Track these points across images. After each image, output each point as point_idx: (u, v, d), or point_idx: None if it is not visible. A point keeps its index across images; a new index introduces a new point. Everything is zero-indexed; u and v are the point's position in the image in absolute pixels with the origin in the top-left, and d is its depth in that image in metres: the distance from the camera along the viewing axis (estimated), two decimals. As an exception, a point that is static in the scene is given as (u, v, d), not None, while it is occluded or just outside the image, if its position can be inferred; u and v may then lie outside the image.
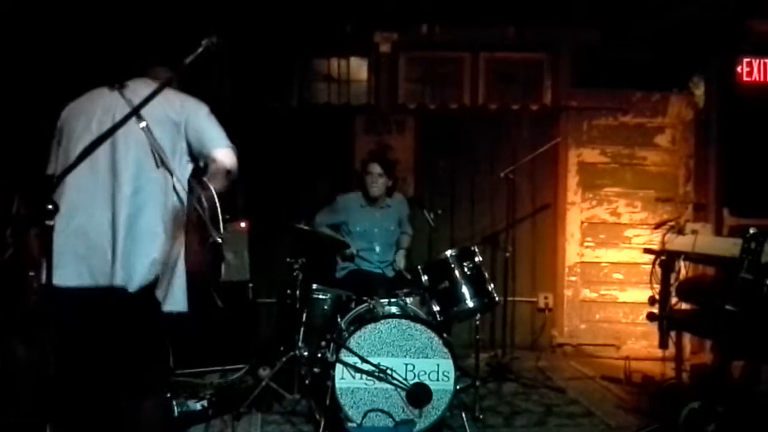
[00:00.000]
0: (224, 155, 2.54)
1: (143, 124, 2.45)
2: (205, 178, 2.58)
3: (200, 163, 2.59)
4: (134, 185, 2.43)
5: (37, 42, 4.28)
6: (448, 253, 4.00)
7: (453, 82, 5.94)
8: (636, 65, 5.60)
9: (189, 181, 2.56)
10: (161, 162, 2.47)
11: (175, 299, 2.49)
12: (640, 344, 5.55)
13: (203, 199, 2.55)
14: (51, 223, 1.91)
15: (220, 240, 2.52)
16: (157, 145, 2.46)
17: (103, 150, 2.42)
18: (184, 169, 2.56)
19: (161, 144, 2.47)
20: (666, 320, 4.03)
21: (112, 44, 4.07)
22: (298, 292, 4.20)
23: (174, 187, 2.49)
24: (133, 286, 2.40)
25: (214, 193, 2.58)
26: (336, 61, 5.88)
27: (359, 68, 5.91)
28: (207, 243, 2.52)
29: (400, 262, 4.85)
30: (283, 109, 5.65)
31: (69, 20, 4.41)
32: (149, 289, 2.42)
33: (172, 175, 2.48)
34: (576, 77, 5.73)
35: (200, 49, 2.00)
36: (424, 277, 3.96)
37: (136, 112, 2.08)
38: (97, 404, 2.56)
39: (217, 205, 2.57)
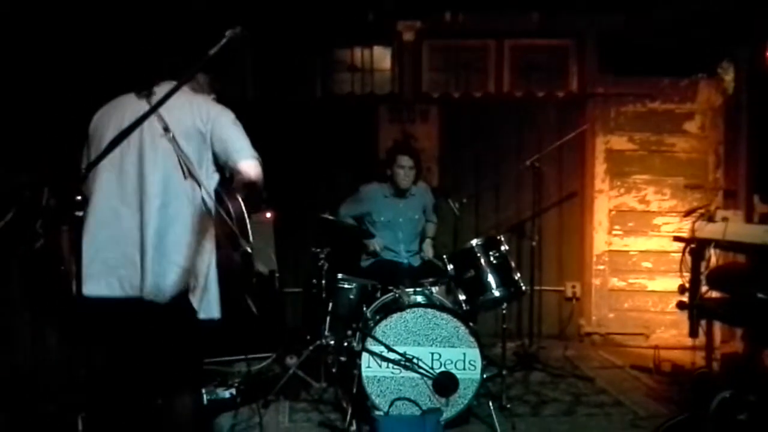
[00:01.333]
0: (249, 167, 2.52)
1: (170, 135, 2.45)
2: (232, 188, 2.60)
3: (226, 173, 2.59)
4: (162, 198, 2.44)
5: (67, 39, 4.33)
6: (474, 242, 3.98)
7: (477, 69, 5.89)
8: (663, 51, 5.49)
9: (217, 191, 2.57)
10: (189, 173, 2.46)
11: (210, 307, 2.52)
12: (670, 333, 5.49)
13: (231, 210, 2.57)
14: (80, 214, 1.93)
15: (249, 250, 2.54)
16: (184, 156, 2.46)
17: (131, 162, 2.45)
18: (210, 179, 2.55)
19: (188, 155, 2.47)
20: (696, 309, 3.97)
21: (140, 42, 4.11)
22: (323, 282, 4.22)
23: (202, 198, 2.49)
24: (163, 298, 2.42)
25: (241, 203, 2.60)
26: (359, 50, 5.87)
27: (382, 57, 5.89)
28: (237, 253, 2.55)
29: (429, 251, 4.85)
30: (307, 99, 5.66)
31: (99, 18, 4.45)
32: (180, 299, 2.44)
33: (200, 186, 2.48)
34: (602, 64, 5.65)
35: (224, 41, 1.99)
36: (450, 266, 3.96)
37: (160, 105, 2.07)
38: (129, 400, 2.60)
39: (245, 215, 2.60)
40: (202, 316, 2.49)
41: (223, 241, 2.55)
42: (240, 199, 2.61)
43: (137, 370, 2.53)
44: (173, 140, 2.45)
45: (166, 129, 2.44)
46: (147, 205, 2.42)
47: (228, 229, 2.53)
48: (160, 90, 2.55)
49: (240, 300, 2.64)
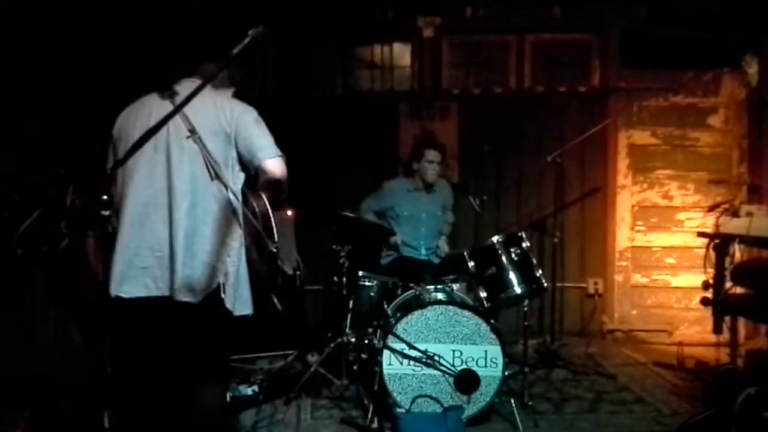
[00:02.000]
0: (274, 166, 2.55)
1: (197, 137, 2.48)
2: (257, 188, 2.62)
3: (251, 171, 2.61)
4: (191, 199, 2.47)
5: (91, 38, 4.37)
6: (495, 239, 3.98)
7: (498, 65, 5.86)
8: (686, 44, 5.44)
9: (242, 191, 2.60)
10: (216, 174, 2.49)
11: (243, 304, 2.57)
12: (693, 330, 5.44)
13: (257, 210, 2.60)
14: (106, 213, 1.96)
15: (275, 249, 2.56)
16: (210, 158, 2.49)
17: (160, 165, 2.49)
18: (237, 178, 2.59)
19: (215, 156, 2.50)
20: (720, 305, 3.94)
21: (162, 40, 4.15)
22: (344, 279, 4.23)
23: (229, 199, 2.52)
24: (195, 298, 2.46)
25: (266, 202, 2.63)
26: (379, 47, 5.86)
27: (402, 54, 5.89)
28: (264, 252, 2.58)
29: (444, 247, 4.84)
30: (328, 96, 5.68)
31: (121, 17, 4.49)
32: (211, 298, 2.48)
33: (226, 186, 2.51)
34: (625, 58, 5.59)
35: (247, 40, 2.01)
36: (471, 263, 3.96)
37: (186, 103, 2.09)
38: (156, 395, 2.64)
39: (270, 215, 2.63)
40: (237, 312, 2.53)
41: (249, 241, 2.57)
42: (265, 198, 2.63)
43: (167, 366, 2.56)
44: (199, 141, 2.48)
45: (192, 131, 2.48)
46: (176, 207, 2.46)
47: (254, 229, 2.55)
48: (182, 89, 2.58)
49: (266, 298, 2.67)
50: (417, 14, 5.61)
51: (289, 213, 4.94)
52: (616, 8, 5.54)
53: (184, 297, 2.44)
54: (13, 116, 3.80)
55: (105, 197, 2.05)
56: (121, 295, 2.45)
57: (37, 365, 3.31)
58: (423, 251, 4.74)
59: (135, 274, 2.46)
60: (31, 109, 3.83)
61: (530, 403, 3.85)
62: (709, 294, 4.01)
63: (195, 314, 2.47)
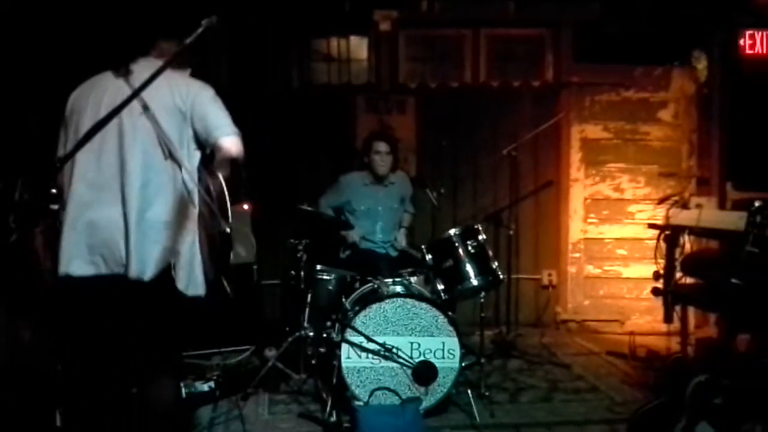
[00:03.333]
0: (230, 143, 2.50)
1: (150, 114, 2.42)
2: (212, 167, 2.57)
3: (206, 150, 2.56)
4: (143, 178, 2.42)
5: (36, 18, 4.21)
6: (452, 231, 4.00)
7: (454, 59, 5.89)
8: (637, 39, 5.53)
9: (198, 170, 2.55)
10: (169, 153, 2.45)
11: (196, 284, 2.51)
12: (645, 319, 5.56)
13: (212, 189, 2.55)
14: (55, 207, 1.90)
15: (228, 230, 2.52)
16: (164, 135, 2.44)
17: (111, 143, 2.42)
18: (192, 157, 2.53)
19: (168, 135, 2.45)
20: (671, 295, 4.02)
21: (115, 18, 4.02)
22: (302, 273, 4.21)
23: (183, 178, 2.47)
24: (146, 276, 2.40)
25: (222, 181, 2.59)
26: (335, 40, 5.83)
27: (359, 47, 5.87)
28: (216, 232, 2.53)
29: (402, 241, 4.86)
30: (283, 89, 5.62)
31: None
32: (163, 278, 2.42)
33: (180, 165, 2.46)
34: (577, 52, 5.68)
35: (200, 30, 1.97)
36: (428, 256, 3.98)
37: (137, 94, 2.05)
38: (109, 390, 2.58)
39: (226, 194, 2.58)
40: (189, 293, 2.48)
41: (203, 220, 2.53)
42: (221, 177, 2.59)
43: (118, 355, 2.51)
44: (153, 119, 2.43)
45: (146, 107, 2.42)
46: (128, 186, 2.40)
47: (208, 208, 2.51)
48: (138, 68, 2.51)
49: (216, 281, 2.61)
50: (373, 7, 5.60)
51: (246, 206, 4.90)
52: (570, 4, 5.61)
53: (136, 275, 2.38)
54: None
55: (54, 191, 1.99)
56: (70, 273, 2.39)
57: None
58: (380, 244, 4.74)
59: (82, 252, 2.40)
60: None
61: (487, 394, 3.89)
62: (659, 284, 4.09)
63: (146, 295, 2.42)
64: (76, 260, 2.39)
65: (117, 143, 2.43)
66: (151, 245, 2.40)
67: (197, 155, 2.55)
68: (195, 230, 2.51)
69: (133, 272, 2.39)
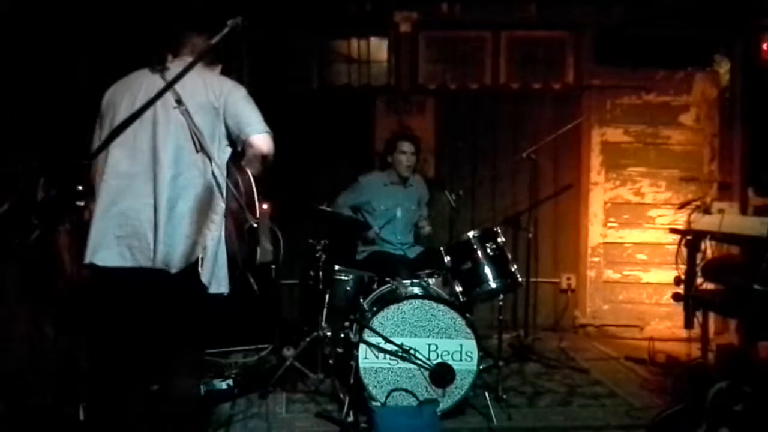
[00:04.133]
0: (261, 141, 2.55)
1: (183, 108, 2.46)
2: (242, 163, 2.60)
3: (238, 147, 2.59)
4: (174, 170, 2.45)
5: (68, 16, 4.25)
6: (471, 234, 4.01)
7: (474, 61, 5.87)
8: (659, 43, 5.48)
9: (227, 166, 2.58)
10: (200, 146, 2.48)
11: (219, 281, 2.52)
12: (664, 325, 5.51)
13: (240, 184, 2.58)
14: (81, 203, 1.93)
15: (255, 225, 2.55)
16: (196, 129, 2.47)
17: (144, 135, 2.46)
18: (222, 153, 2.57)
19: (201, 129, 2.48)
20: (691, 300, 4.00)
21: (146, 16, 4.05)
22: (320, 273, 4.22)
23: (213, 172, 2.50)
24: (173, 268, 2.43)
25: (251, 177, 2.62)
26: (356, 41, 5.84)
27: (379, 48, 5.87)
28: (243, 227, 2.55)
29: (426, 228, 4.83)
30: (303, 90, 5.65)
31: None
32: (189, 272, 2.44)
33: (210, 159, 2.49)
34: (599, 55, 5.64)
35: (226, 30, 1.98)
36: (447, 258, 3.97)
37: (170, 87, 2.07)
38: (130, 385, 2.60)
39: (254, 190, 2.61)
40: (212, 290, 2.49)
41: (231, 215, 2.55)
42: (249, 174, 2.62)
43: (140, 350, 2.52)
44: (186, 113, 2.46)
45: (179, 101, 2.46)
46: (159, 177, 2.44)
47: (236, 203, 2.53)
48: (174, 66, 2.56)
49: (243, 279, 2.63)
50: (394, 9, 5.60)
51: (265, 207, 4.91)
52: (591, 7, 5.57)
53: (162, 266, 2.41)
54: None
55: (80, 187, 2.01)
56: (96, 262, 2.42)
57: (9, 360, 3.25)
58: (398, 246, 4.75)
59: (110, 242, 2.43)
60: (4, 100, 3.73)
61: (504, 397, 3.88)
62: (680, 289, 4.07)
63: (171, 288, 2.44)
64: (103, 250, 2.42)
65: (151, 135, 2.47)
66: (179, 238, 2.43)
67: (228, 151, 2.59)
68: (222, 225, 2.53)
69: (160, 264, 2.41)
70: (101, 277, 2.43)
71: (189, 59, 2.54)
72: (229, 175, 2.57)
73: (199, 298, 2.49)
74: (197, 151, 2.48)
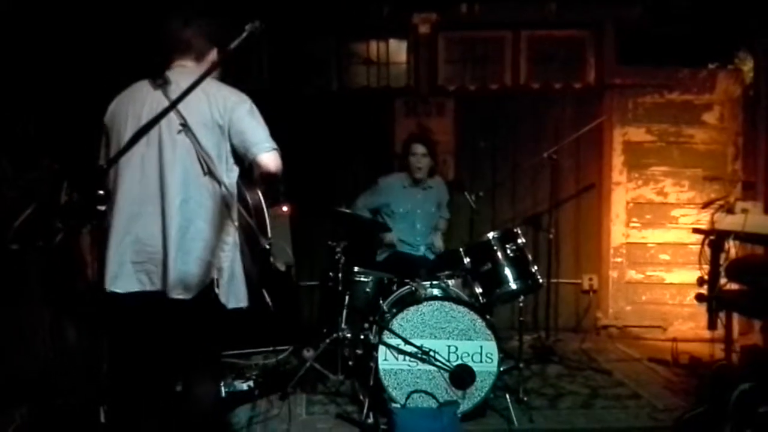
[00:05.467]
0: (268, 159, 2.49)
1: (188, 130, 2.42)
2: (250, 180, 2.59)
3: (245, 164, 2.56)
4: (184, 194, 2.43)
5: (77, 24, 4.30)
6: (491, 235, 3.99)
7: (493, 62, 5.86)
8: (681, 41, 5.43)
9: (237, 184, 2.56)
10: (208, 169, 2.45)
11: (239, 297, 2.54)
12: (687, 326, 5.45)
13: (250, 205, 2.57)
14: (102, 208, 1.94)
15: (267, 246, 2.55)
16: (203, 151, 2.44)
17: (152, 159, 2.44)
18: (230, 172, 2.54)
19: (207, 150, 2.45)
20: (715, 301, 3.96)
21: (154, 23, 4.09)
22: (340, 275, 4.23)
23: (222, 194, 2.48)
24: (189, 294, 2.43)
25: (260, 197, 2.61)
26: (375, 43, 5.85)
27: (398, 50, 5.88)
28: (256, 248, 2.56)
29: (439, 244, 4.85)
30: (323, 92, 5.67)
31: (111, 7, 4.43)
32: (205, 293, 2.45)
33: (219, 181, 2.47)
34: (620, 54, 5.60)
35: (244, 34, 1.97)
36: (467, 259, 3.96)
37: (174, 106, 2.05)
38: (151, 390, 2.62)
39: (264, 209, 2.60)
40: (231, 305, 2.50)
41: (242, 235, 2.55)
42: (259, 192, 2.61)
43: (161, 359, 2.55)
44: (192, 135, 2.43)
45: (184, 125, 2.42)
46: (168, 202, 2.42)
47: (246, 223, 2.54)
48: (173, 76, 2.51)
49: (257, 295, 2.64)
50: (413, 10, 5.60)
51: (285, 209, 4.95)
52: (611, 5, 5.54)
53: (177, 294, 2.41)
54: (8, 116, 3.77)
55: (101, 192, 2.03)
56: (116, 290, 2.43)
57: (32, 362, 3.29)
58: (418, 247, 4.74)
59: (128, 270, 2.43)
60: (27, 107, 3.79)
61: (525, 399, 3.86)
62: (703, 290, 4.03)
63: (189, 309, 2.45)
64: (122, 278, 2.42)
65: (157, 159, 2.44)
66: (192, 263, 2.42)
67: (236, 170, 2.56)
68: (236, 245, 2.53)
69: (176, 291, 2.41)
70: (122, 302, 2.43)
71: (191, 65, 2.56)
72: (239, 195, 2.55)
73: (215, 316, 2.50)
74: (205, 174, 2.45)
